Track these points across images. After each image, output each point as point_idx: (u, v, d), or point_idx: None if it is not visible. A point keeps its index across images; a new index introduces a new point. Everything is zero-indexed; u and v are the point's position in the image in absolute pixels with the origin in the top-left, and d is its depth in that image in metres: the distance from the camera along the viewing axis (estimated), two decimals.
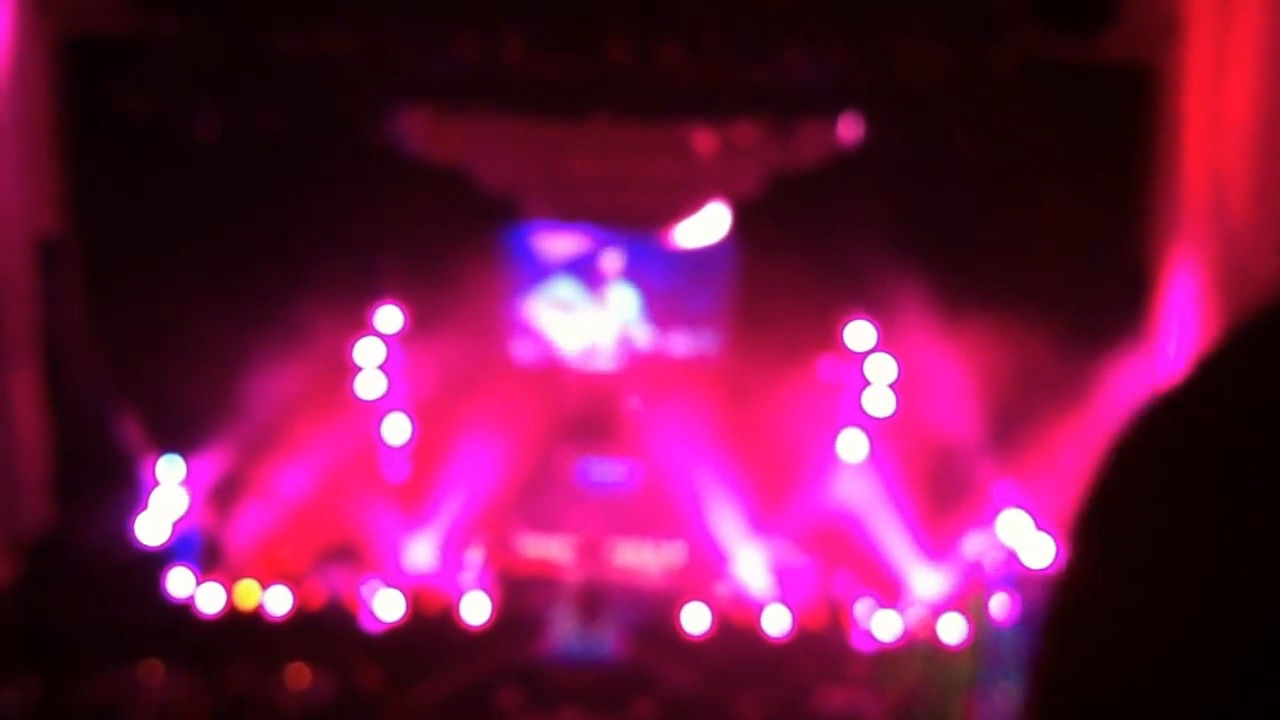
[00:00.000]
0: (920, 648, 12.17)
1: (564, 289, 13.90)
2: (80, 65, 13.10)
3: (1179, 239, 12.36)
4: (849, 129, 13.23)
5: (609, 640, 12.50)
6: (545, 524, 13.41)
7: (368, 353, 13.44)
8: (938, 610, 12.41)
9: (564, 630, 12.61)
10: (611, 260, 13.83)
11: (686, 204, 13.62)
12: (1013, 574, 12.41)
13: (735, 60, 12.73)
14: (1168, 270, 12.55)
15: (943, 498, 12.89)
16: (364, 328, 13.41)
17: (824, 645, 12.45)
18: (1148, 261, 12.89)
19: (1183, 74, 12.20)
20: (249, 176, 13.15)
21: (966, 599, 12.34)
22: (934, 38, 12.65)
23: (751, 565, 12.96)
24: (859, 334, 13.31)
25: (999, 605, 12.25)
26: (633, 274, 13.88)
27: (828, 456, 13.45)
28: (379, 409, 13.55)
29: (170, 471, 13.03)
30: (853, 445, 13.42)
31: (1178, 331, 12.24)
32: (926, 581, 12.73)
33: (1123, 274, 12.96)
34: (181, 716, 11.50)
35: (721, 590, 12.81)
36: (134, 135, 13.03)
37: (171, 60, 12.88)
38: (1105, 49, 12.40)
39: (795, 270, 12.84)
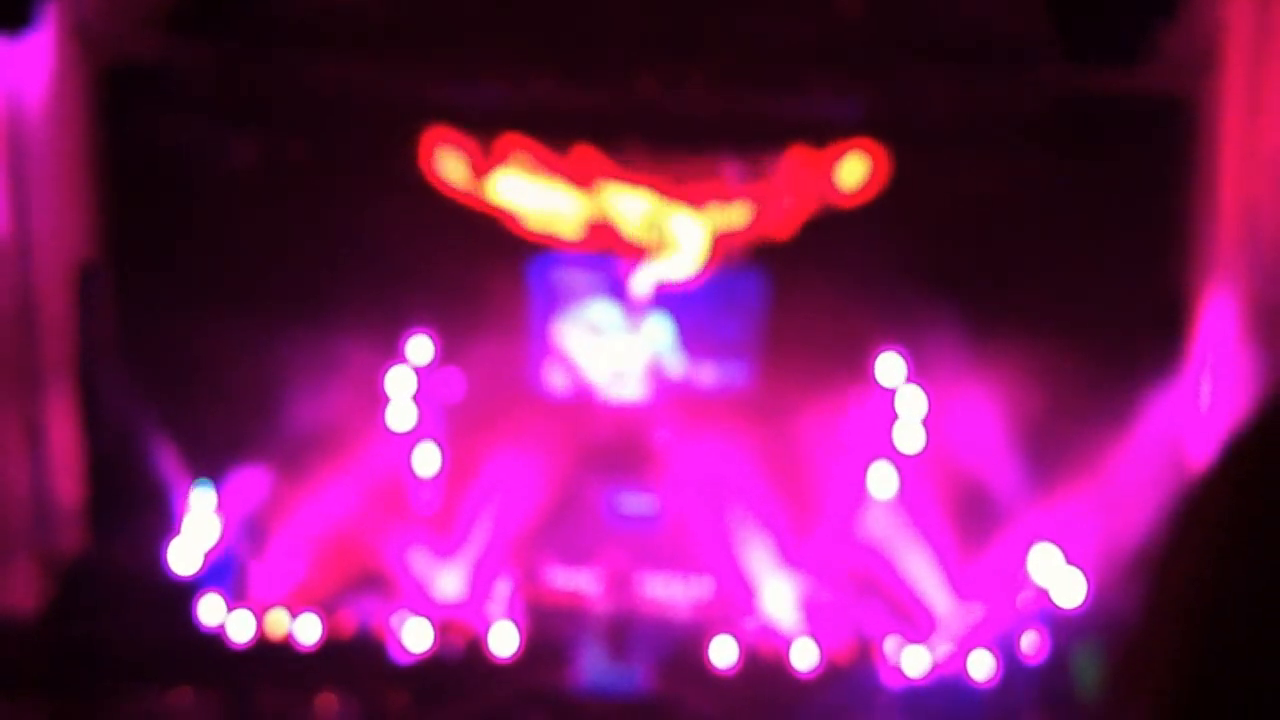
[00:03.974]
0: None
1: (599, 313, 13.93)
2: (116, 92, 13.25)
3: (1214, 272, 12.27)
4: (880, 161, 13.22)
5: (638, 674, 12.44)
6: (574, 556, 13.38)
7: (398, 383, 13.48)
8: (967, 646, 12.28)
9: (592, 663, 12.55)
10: (644, 288, 13.85)
11: (710, 234, 13.64)
12: (1044, 611, 12.29)
13: (763, 94, 12.77)
14: (1203, 303, 12.45)
15: (974, 533, 12.79)
16: (395, 357, 13.45)
17: (852, 680, 12.34)
18: (1183, 294, 12.79)
19: (1218, 106, 12.13)
20: (282, 204, 13.26)
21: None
22: (965, 70, 12.64)
23: (781, 600, 12.89)
24: (890, 367, 13.25)
25: (1030, 643, 12.13)
26: (665, 303, 13.89)
27: (858, 490, 13.38)
28: (409, 439, 13.58)
29: (202, 499, 13.09)
30: (883, 479, 13.34)
31: (1213, 365, 12.13)
32: (957, 617, 12.62)
33: (1157, 307, 12.86)
34: None
35: (750, 625, 12.74)
36: (169, 161, 13.16)
37: (207, 88, 13.02)
38: (1140, 82, 12.33)
39: (826, 302, 12.81)
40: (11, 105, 12.00)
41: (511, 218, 13.62)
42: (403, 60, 12.97)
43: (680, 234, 13.61)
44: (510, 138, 13.46)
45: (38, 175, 12.26)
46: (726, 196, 13.49)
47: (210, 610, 12.70)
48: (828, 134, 13.27)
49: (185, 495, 13.13)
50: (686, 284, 13.78)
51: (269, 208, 13.29)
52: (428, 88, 13.02)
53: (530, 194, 13.59)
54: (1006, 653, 12.13)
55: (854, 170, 13.34)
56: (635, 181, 13.48)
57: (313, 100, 13.20)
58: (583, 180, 13.55)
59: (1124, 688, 0.88)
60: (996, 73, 12.72)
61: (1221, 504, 0.88)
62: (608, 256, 13.80)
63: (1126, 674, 0.89)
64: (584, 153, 13.46)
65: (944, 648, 12.35)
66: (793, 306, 13.26)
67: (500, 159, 13.53)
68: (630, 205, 13.59)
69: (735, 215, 13.50)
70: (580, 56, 12.81)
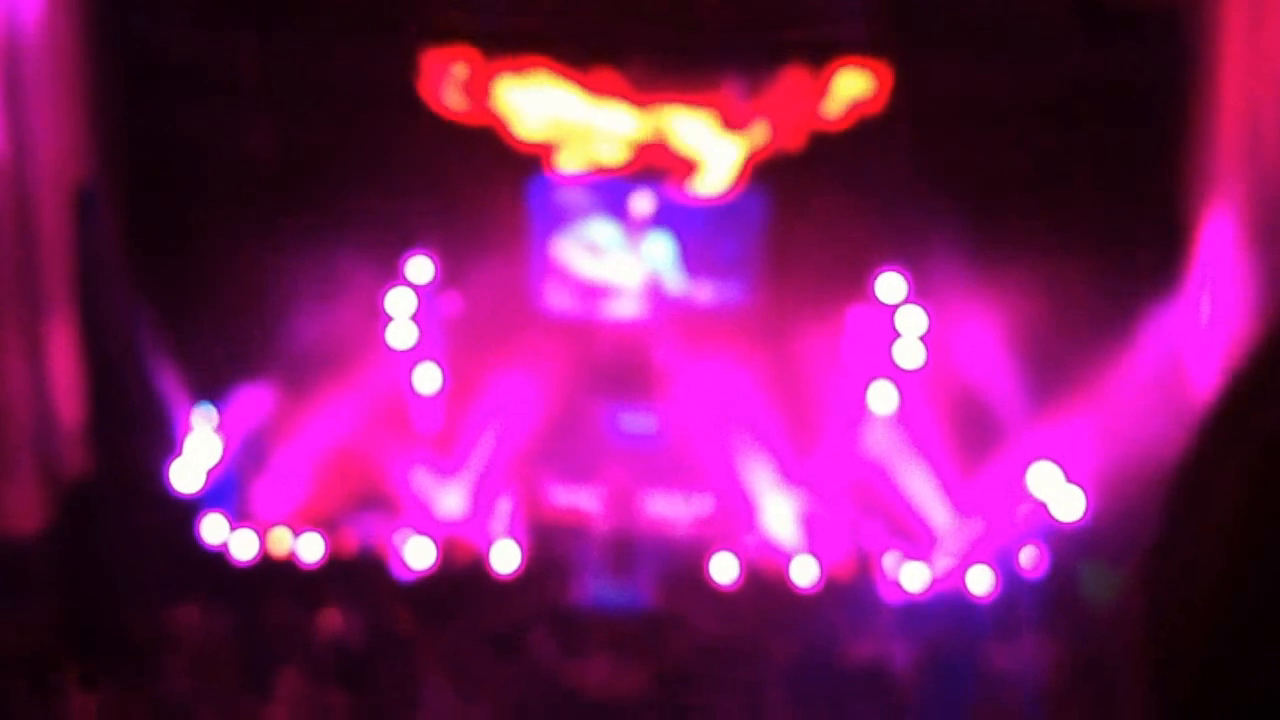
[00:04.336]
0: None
1: (598, 232, 13.89)
2: (115, 7, 13.09)
3: (1216, 184, 12.21)
4: (883, 77, 13.14)
5: (640, 591, 12.52)
6: (576, 474, 13.43)
7: (399, 302, 13.46)
8: (967, 561, 12.37)
9: (595, 581, 12.63)
10: (645, 207, 13.80)
11: (719, 152, 13.57)
12: (1043, 526, 12.36)
13: (769, 8, 12.67)
14: (1204, 216, 12.40)
15: (974, 449, 12.83)
16: (396, 277, 13.42)
17: (852, 596, 12.42)
18: (1184, 207, 12.73)
19: (1221, 16, 12.03)
20: (285, 121, 13.17)
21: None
22: None
23: (781, 516, 12.96)
24: (891, 285, 13.24)
25: (1028, 557, 12.22)
26: (666, 221, 13.84)
27: (858, 407, 13.42)
28: (410, 358, 13.58)
29: (204, 418, 13.10)
30: (883, 396, 13.37)
31: (1214, 278, 12.11)
32: (957, 532, 12.70)
33: (1159, 220, 12.79)
34: (216, 658, 11.59)
35: (751, 541, 12.81)
36: (171, 79, 13.06)
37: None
38: None
39: (827, 219, 12.77)
40: (8, 21, 11.84)
41: (513, 137, 13.53)
42: None
43: (708, 153, 13.52)
44: (516, 56, 13.35)
45: (35, 93, 12.12)
46: (735, 115, 13.40)
47: (213, 529, 12.75)
48: (830, 51, 13.18)
49: (187, 414, 13.14)
50: (693, 202, 13.73)
51: (272, 124, 13.19)
52: (432, 6, 12.91)
53: (534, 113, 13.49)
54: (1006, 567, 12.21)
55: (855, 87, 13.25)
56: (647, 101, 13.39)
57: (318, 14, 13.09)
58: (592, 98, 13.45)
59: (1156, 602, 0.88)
60: None
61: (1255, 420, 0.85)
62: (607, 176, 13.74)
63: (1158, 590, 0.88)
64: (592, 71, 13.36)
65: (944, 563, 12.44)
66: (793, 224, 13.22)
67: (505, 77, 13.42)
68: (635, 124, 13.49)
69: (757, 135, 13.42)
70: None
